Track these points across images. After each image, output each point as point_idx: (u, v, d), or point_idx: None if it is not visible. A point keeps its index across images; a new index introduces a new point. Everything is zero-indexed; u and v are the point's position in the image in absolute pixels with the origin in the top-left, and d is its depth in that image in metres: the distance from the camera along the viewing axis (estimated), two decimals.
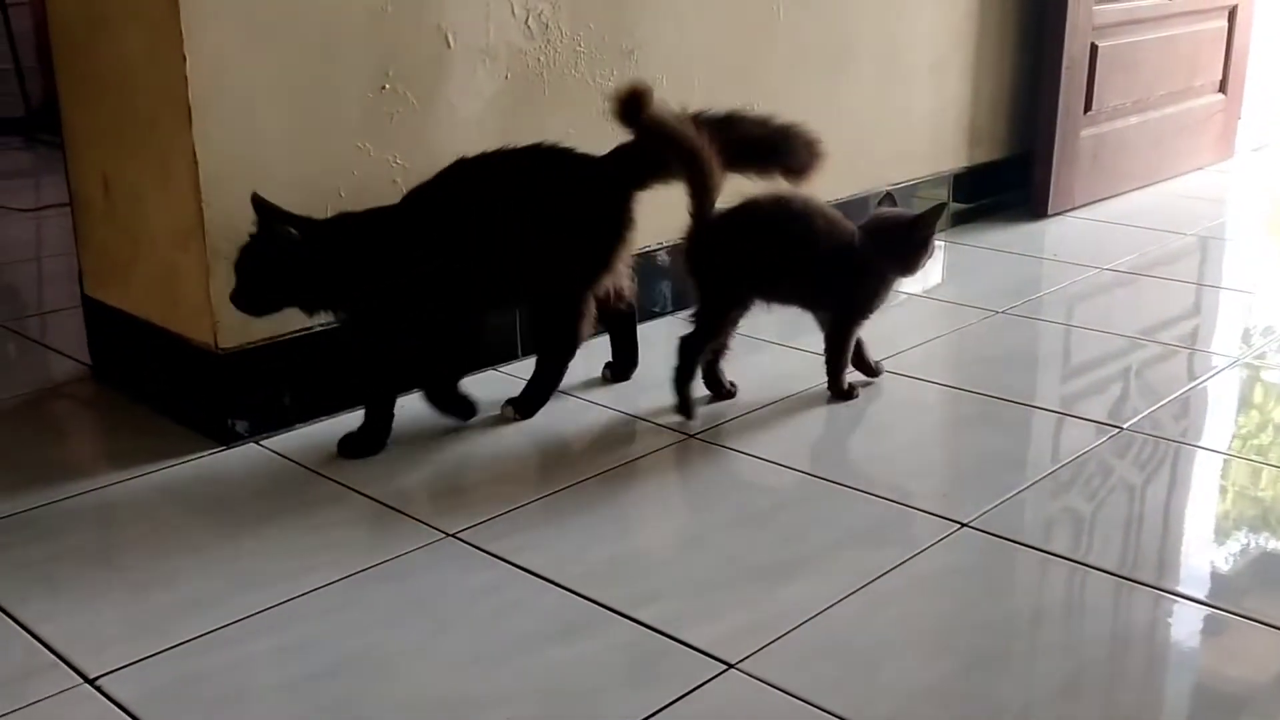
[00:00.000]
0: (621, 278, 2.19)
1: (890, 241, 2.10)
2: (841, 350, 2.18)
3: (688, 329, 2.15)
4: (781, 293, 2.15)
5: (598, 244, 2.09)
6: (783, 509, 1.82)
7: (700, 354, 2.12)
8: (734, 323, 2.14)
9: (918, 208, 2.91)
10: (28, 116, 5.00)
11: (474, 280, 2.01)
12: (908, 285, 2.18)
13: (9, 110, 5.05)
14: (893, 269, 2.12)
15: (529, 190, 2.03)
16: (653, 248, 2.60)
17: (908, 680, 1.41)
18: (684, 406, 2.13)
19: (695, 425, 2.10)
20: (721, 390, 2.20)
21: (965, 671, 1.42)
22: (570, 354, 2.16)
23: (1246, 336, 2.60)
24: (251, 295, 1.90)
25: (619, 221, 2.09)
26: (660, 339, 2.55)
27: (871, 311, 2.16)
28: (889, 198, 2.24)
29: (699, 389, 2.21)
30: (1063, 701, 1.37)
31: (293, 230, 1.87)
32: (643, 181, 2.11)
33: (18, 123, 5.02)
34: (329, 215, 1.99)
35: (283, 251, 1.87)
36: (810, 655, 1.44)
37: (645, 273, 2.62)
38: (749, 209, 2.09)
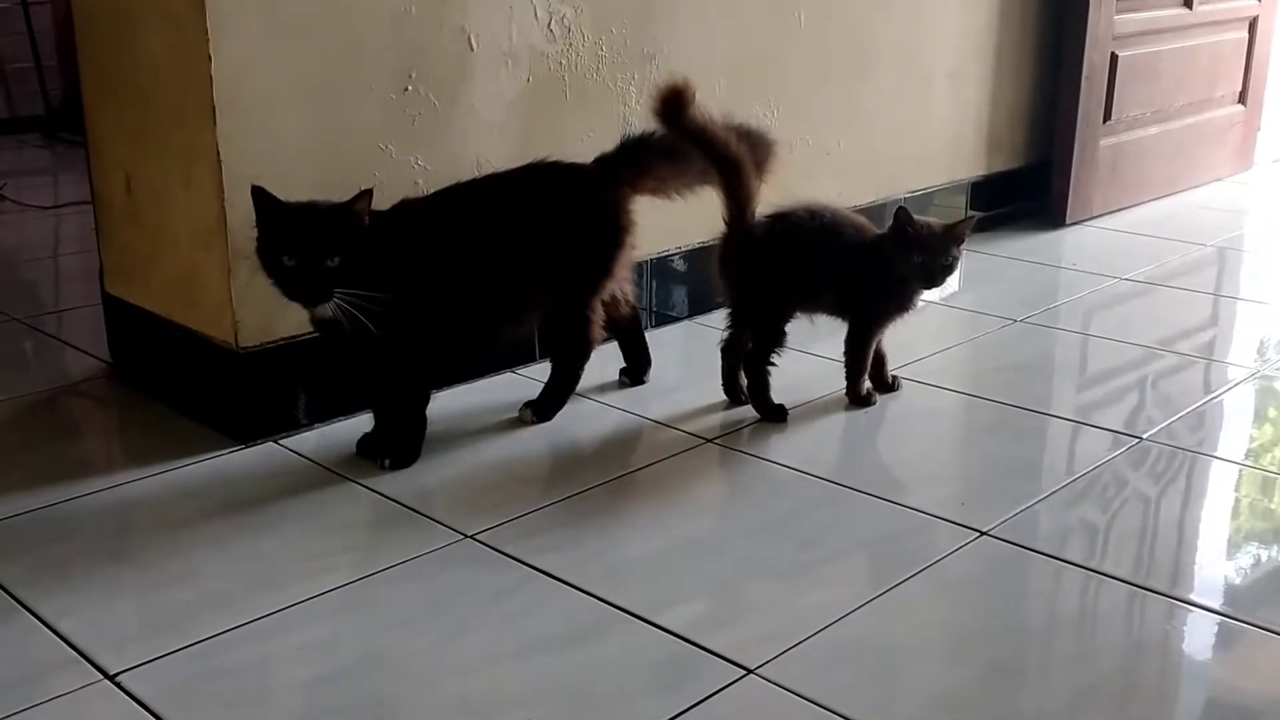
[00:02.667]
0: (623, 283, 2.20)
1: (915, 250, 2.09)
2: (861, 354, 2.17)
3: (729, 340, 2.18)
4: (822, 303, 2.16)
5: (598, 252, 2.10)
6: (801, 514, 1.82)
7: (768, 364, 2.13)
8: (784, 332, 2.15)
9: (935, 215, 2.91)
10: (47, 115, 5.03)
11: (448, 298, 1.97)
12: (927, 293, 2.17)
13: (29, 108, 5.08)
14: (917, 277, 2.12)
15: (524, 208, 2.03)
16: (670, 252, 2.61)
17: (926, 687, 1.40)
18: (774, 414, 2.14)
19: (713, 430, 2.10)
20: (739, 396, 2.20)
21: (983, 680, 1.42)
22: (584, 358, 2.16)
23: (1263, 348, 2.59)
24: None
25: (616, 227, 2.10)
26: (676, 343, 2.56)
27: (891, 317, 2.16)
28: (902, 210, 2.23)
29: (715, 394, 2.22)
30: (1079, 711, 1.37)
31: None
32: (635, 185, 2.12)
33: (37, 121, 5.04)
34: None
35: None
36: (829, 661, 1.44)
37: (661, 277, 2.62)
38: (791, 221, 2.09)
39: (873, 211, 2.91)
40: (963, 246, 2.08)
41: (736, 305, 2.18)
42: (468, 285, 1.98)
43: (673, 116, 2.00)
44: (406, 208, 1.98)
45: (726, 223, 2.09)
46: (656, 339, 2.44)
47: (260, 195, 1.77)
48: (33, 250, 3.47)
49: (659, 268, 2.60)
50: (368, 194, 1.80)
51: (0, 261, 3.35)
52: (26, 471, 1.96)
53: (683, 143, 2.03)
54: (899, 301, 2.15)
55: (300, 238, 1.77)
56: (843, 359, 2.20)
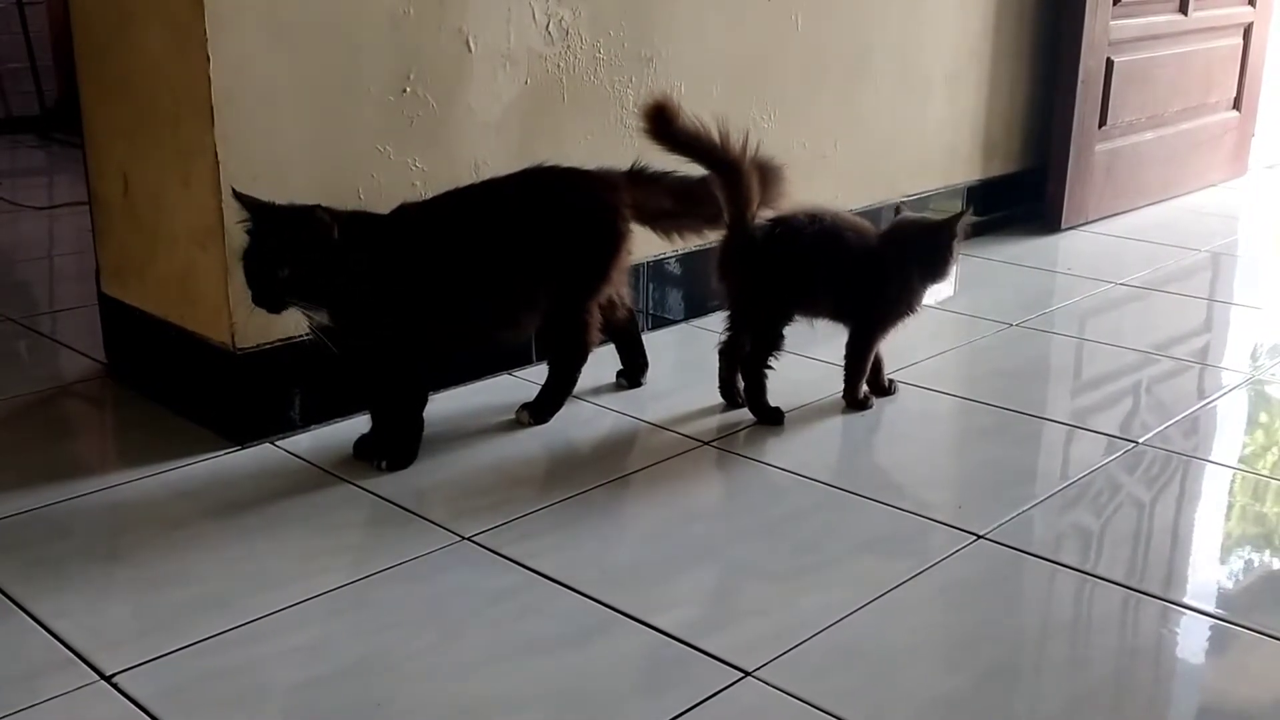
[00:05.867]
0: (620, 286, 2.20)
1: (914, 248, 2.10)
2: (862, 358, 2.18)
3: (727, 343, 2.18)
4: (821, 307, 2.16)
5: (595, 255, 2.10)
6: (798, 517, 1.82)
7: (765, 367, 2.13)
8: (782, 335, 2.15)
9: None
10: (43, 115, 5.02)
11: (455, 301, 1.98)
12: (925, 294, 2.18)
13: (24, 108, 5.08)
14: (916, 275, 2.12)
15: (523, 212, 2.03)
16: (667, 255, 2.61)
17: (923, 690, 1.41)
18: (770, 417, 2.14)
19: (709, 433, 2.10)
20: (736, 399, 2.20)
21: (980, 683, 1.42)
22: (581, 360, 2.16)
23: (1256, 353, 2.60)
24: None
25: (613, 231, 2.10)
26: (672, 345, 2.56)
27: (895, 320, 2.16)
28: (899, 208, 2.24)
29: (712, 397, 2.22)
30: (1074, 714, 1.37)
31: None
32: (635, 196, 2.12)
33: (33, 121, 5.04)
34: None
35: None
36: (826, 664, 1.44)
37: (658, 280, 2.63)
38: (791, 225, 2.09)
39: (868, 215, 2.91)
40: (958, 241, 2.08)
41: (735, 308, 2.18)
42: (466, 288, 1.98)
43: (663, 130, 2.00)
44: (405, 212, 1.98)
45: (726, 225, 2.09)
46: (653, 342, 2.44)
47: (241, 201, 1.80)
48: (28, 250, 3.47)
49: (656, 270, 2.60)
50: (321, 208, 1.80)
51: None
52: (22, 472, 1.95)
53: (680, 153, 2.04)
54: (902, 303, 2.15)
55: (260, 245, 1.80)
56: (842, 362, 2.20)
